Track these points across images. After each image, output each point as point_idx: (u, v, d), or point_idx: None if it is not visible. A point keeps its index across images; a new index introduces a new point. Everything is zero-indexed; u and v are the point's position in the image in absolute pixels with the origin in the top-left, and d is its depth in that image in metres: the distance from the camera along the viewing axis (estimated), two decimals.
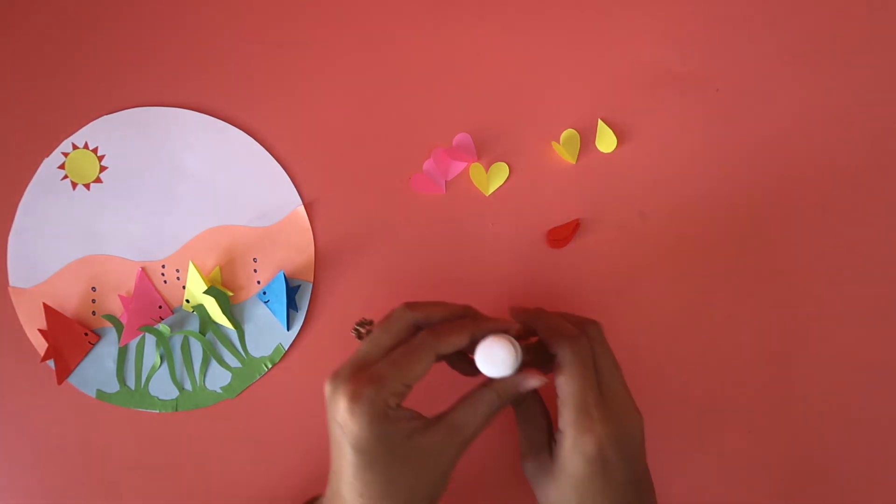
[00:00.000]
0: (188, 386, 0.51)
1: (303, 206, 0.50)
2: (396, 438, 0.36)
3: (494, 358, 0.38)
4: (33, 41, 0.51)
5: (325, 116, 0.50)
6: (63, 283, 0.51)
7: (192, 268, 0.50)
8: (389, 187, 0.50)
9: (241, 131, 0.50)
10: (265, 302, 0.50)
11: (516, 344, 0.38)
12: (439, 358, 0.38)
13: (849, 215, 0.49)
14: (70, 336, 0.50)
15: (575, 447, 0.38)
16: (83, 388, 0.51)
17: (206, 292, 0.48)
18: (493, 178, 0.49)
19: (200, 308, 0.50)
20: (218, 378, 0.50)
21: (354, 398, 0.35)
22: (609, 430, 0.38)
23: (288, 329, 0.50)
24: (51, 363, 0.50)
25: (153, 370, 0.51)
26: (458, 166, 0.50)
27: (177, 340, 0.50)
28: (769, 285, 0.49)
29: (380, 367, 0.36)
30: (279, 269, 0.50)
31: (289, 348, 0.50)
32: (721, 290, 0.49)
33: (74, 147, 0.51)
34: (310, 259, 0.50)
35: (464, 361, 0.42)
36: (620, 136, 0.49)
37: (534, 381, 0.39)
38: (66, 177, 0.51)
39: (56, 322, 0.50)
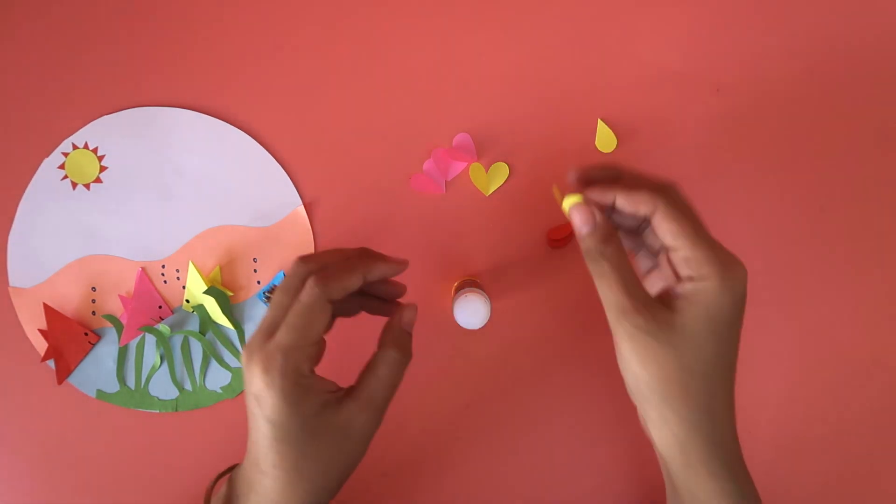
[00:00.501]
0: (188, 386, 0.51)
1: (303, 206, 0.50)
2: (310, 410, 0.35)
3: (470, 311, 0.41)
4: (34, 42, 0.51)
5: (325, 116, 0.50)
6: (63, 283, 0.51)
7: (192, 268, 0.50)
8: (389, 187, 0.50)
9: (241, 131, 0.50)
10: (265, 302, 0.50)
11: (487, 298, 0.41)
12: (338, 306, 0.37)
13: (848, 215, 0.49)
14: (70, 336, 0.50)
15: (724, 286, 0.34)
16: (83, 388, 0.51)
17: (206, 292, 0.48)
18: (493, 179, 0.49)
19: (200, 308, 0.50)
20: (218, 378, 0.50)
21: (266, 369, 0.35)
22: (744, 273, 0.34)
23: None
24: (51, 363, 0.50)
25: (153, 370, 0.50)
26: (458, 166, 0.50)
27: (177, 340, 0.50)
28: (768, 285, 0.49)
29: (282, 334, 0.35)
30: (279, 269, 0.50)
31: None
32: None
33: (74, 147, 0.51)
34: None
35: (375, 301, 0.41)
36: (620, 136, 0.49)
37: (409, 312, 0.39)
38: (66, 177, 0.51)
39: (56, 322, 0.50)
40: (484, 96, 0.50)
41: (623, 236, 0.39)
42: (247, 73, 0.50)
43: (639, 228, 0.38)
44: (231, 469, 0.41)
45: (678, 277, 0.35)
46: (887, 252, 0.49)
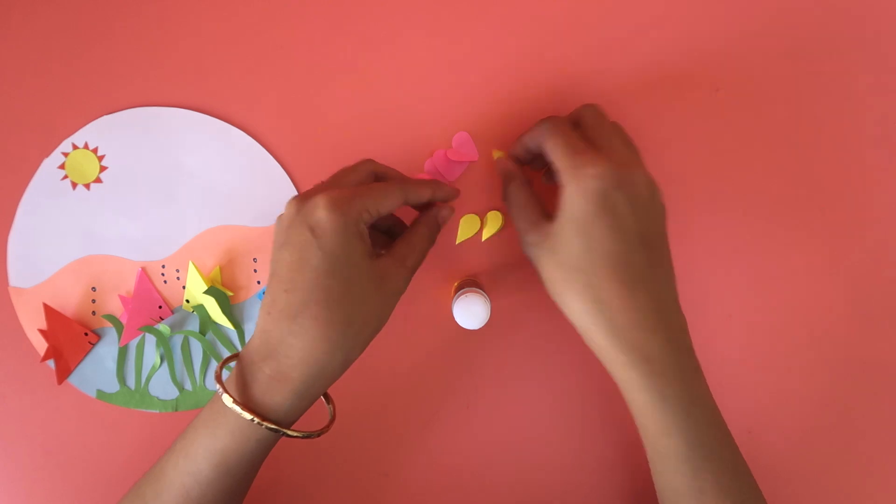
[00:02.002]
0: (188, 386, 0.51)
1: None
2: (359, 251, 0.38)
3: (470, 312, 0.43)
4: (34, 41, 0.51)
5: (326, 116, 0.50)
6: (63, 283, 0.51)
7: (192, 268, 0.50)
8: None
9: (241, 131, 0.50)
10: None
11: (487, 298, 0.44)
12: (404, 204, 0.42)
13: (847, 216, 0.49)
14: (70, 336, 0.50)
15: (576, 187, 0.37)
16: (83, 388, 0.51)
17: (206, 292, 0.48)
18: (490, 226, 0.49)
19: (200, 308, 0.50)
20: None
21: (333, 202, 0.37)
22: (611, 169, 0.37)
23: None
24: (51, 363, 0.50)
25: (153, 370, 0.50)
26: (459, 166, 0.50)
27: (177, 340, 0.50)
28: (768, 285, 0.49)
29: (355, 189, 0.39)
30: None
31: None
32: (720, 290, 0.49)
33: (74, 147, 0.51)
34: None
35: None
36: None
37: (446, 212, 0.45)
38: (66, 177, 0.51)
39: (56, 322, 0.50)
40: (484, 96, 0.50)
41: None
42: (247, 73, 0.50)
43: None
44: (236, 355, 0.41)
45: None
46: (888, 252, 0.49)
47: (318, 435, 0.40)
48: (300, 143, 0.50)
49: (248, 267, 0.50)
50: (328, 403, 0.44)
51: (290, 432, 0.38)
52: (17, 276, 0.51)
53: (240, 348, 0.50)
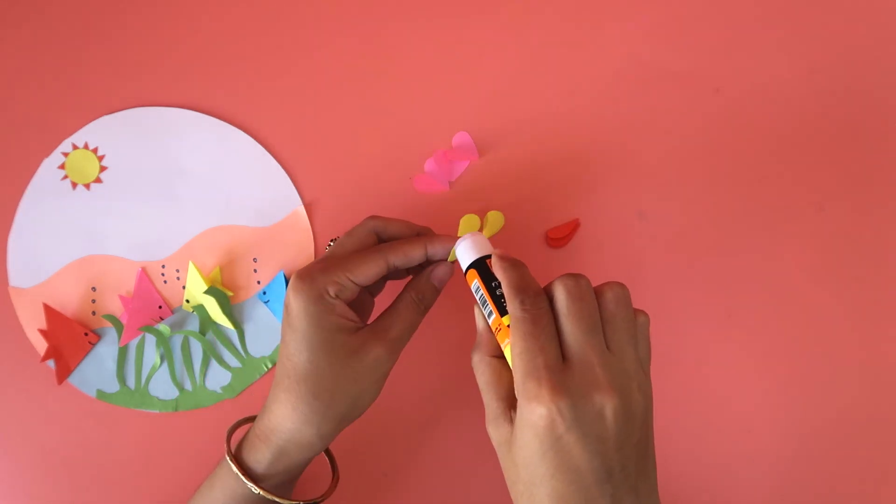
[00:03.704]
0: (188, 386, 0.51)
1: (303, 206, 0.50)
2: (325, 324, 0.38)
3: (469, 244, 0.39)
4: (34, 41, 0.51)
5: (326, 116, 0.50)
6: (63, 283, 0.51)
7: (192, 268, 0.50)
8: (390, 187, 0.50)
9: (241, 131, 0.50)
10: (265, 302, 0.50)
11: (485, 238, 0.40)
12: (392, 268, 0.40)
13: (847, 215, 0.49)
14: (70, 336, 0.50)
15: (522, 418, 0.33)
16: (83, 388, 0.51)
17: (206, 292, 0.48)
18: (490, 227, 0.49)
19: (200, 308, 0.50)
20: (218, 378, 0.50)
21: (298, 282, 0.38)
22: (564, 402, 0.31)
23: None
24: (51, 363, 0.50)
25: (153, 370, 0.50)
26: (460, 165, 0.50)
27: (177, 340, 0.50)
28: (768, 284, 0.49)
29: (327, 263, 0.39)
30: (279, 269, 0.50)
31: None
32: (720, 289, 0.49)
33: (74, 147, 0.51)
34: (310, 259, 0.50)
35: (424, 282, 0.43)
36: (620, 135, 0.49)
37: (441, 270, 0.42)
38: (66, 177, 0.51)
39: (56, 322, 0.50)
40: (484, 96, 0.50)
41: None
42: (247, 73, 0.50)
43: None
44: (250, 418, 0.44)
45: None
46: (887, 252, 0.49)
47: (319, 501, 0.42)
48: (300, 143, 0.50)
49: (248, 267, 0.50)
50: (333, 471, 0.45)
51: (278, 498, 0.40)
52: (17, 276, 0.51)
53: (239, 348, 0.50)
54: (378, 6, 0.50)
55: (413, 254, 0.41)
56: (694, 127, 0.49)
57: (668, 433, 0.48)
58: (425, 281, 0.42)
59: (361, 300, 0.43)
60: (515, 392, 0.34)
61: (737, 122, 0.49)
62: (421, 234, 0.43)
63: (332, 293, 0.38)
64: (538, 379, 0.32)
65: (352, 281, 0.39)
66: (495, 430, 0.35)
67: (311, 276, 0.38)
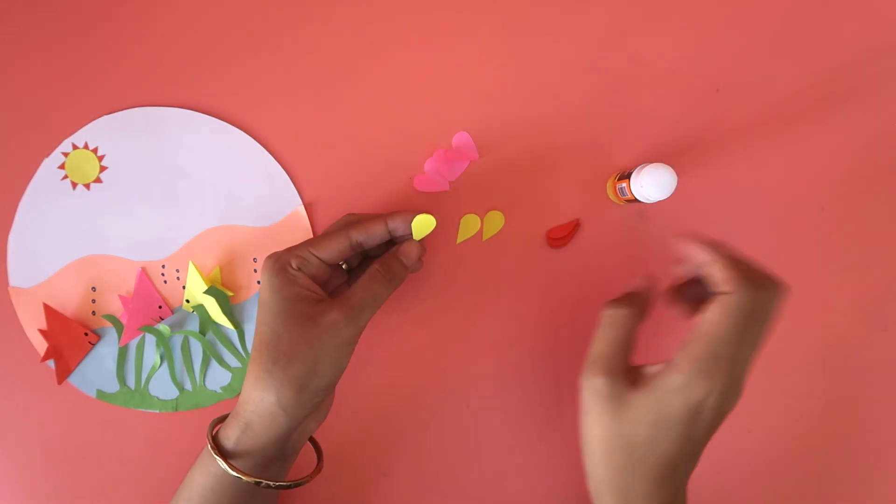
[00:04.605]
0: (188, 386, 0.51)
1: (303, 206, 0.50)
2: (286, 294, 0.40)
3: (657, 180, 0.40)
4: (34, 41, 0.51)
5: (326, 116, 0.50)
6: (63, 283, 0.51)
7: (192, 268, 0.50)
8: (390, 187, 0.50)
9: (241, 131, 0.50)
10: None
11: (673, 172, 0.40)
12: (356, 244, 0.42)
13: (849, 220, 0.49)
14: (70, 336, 0.50)
15: (685, 386, 0.35)
16: (83, 388, 0.51)
17: (206, 292, 0.48)
18: (488, 228, 0.49)
19: (200, 308, 0.50)
20: (218, 378, 0.50)
21: (267, 257, 0.42)
22: (721, 389, 0.35)
23: None
24: (51, 363, 0.50)
25: (153, 370, 0.50)
26: (460, 165, 0.50)
27: (177, 340, 0.50)
28: None
29: (300, 242, 0.42)
30: None
31: None
32: None
33: (74, 147, 0.51)
34: None
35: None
36: (620, 135, 0.49)
37: (408, 245, 0.43)
38: (66, 177, 0.51)
39: (56, 322, 0.50)
40: (484, 96, 0.50)
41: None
42: (247, 73, 0.50)
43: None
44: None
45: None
46: (887, 251, 0.49)
47: (292, 486, 0.42)
48: (300, 143, 0.50)
49: (248, 267, 0.50)
50: (318, 456, 0.45)
51: (240, 474, 0.40)
52: (17, 276, 0.51)
53: (239, 348, 0.51)
54: (378, 6, 0.50)
55: (374, 229, 0.43)
56: (694, 127, 0.49)
57: None
58: (391, 255, 0.43)
59: (334, 283, 0.45)
60: (680, 358, 0.36)
61: (737, 121, 0.49)
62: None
63: (294, 265, 0.41)
64: (719, 363, 0.35)
65: (314, 255, 0.41)
66: (609, 384, 0.37)
67: (276, 254, 0.42)
